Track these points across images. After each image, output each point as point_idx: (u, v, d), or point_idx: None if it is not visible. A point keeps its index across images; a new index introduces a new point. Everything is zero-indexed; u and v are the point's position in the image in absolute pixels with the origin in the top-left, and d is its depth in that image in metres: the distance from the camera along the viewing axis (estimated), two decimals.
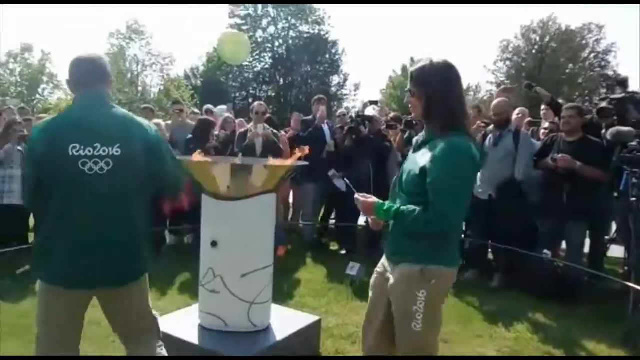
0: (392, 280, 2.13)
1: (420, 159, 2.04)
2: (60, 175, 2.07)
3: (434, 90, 2.05)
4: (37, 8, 47.91)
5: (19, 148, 5.31)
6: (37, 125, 2.26)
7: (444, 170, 1.95)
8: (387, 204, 2.12)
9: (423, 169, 2.00)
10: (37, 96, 29.53)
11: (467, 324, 4.00)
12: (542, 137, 5.20)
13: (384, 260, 2.30)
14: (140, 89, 28.88)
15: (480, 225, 5.11)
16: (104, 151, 2.08)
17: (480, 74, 46.20)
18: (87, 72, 2.21)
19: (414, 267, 2.04)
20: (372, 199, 2.17)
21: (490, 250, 5.34)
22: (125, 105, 22.50)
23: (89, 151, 2.07)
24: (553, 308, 4.28)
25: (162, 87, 28.97)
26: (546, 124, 5.25)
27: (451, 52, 57.29)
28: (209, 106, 7.77)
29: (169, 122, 7.06)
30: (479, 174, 4.97)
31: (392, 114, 6.63)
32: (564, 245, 4.92)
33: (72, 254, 2.10)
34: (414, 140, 2.24)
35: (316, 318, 3.38)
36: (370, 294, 2.33)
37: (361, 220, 6.62)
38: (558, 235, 4.74)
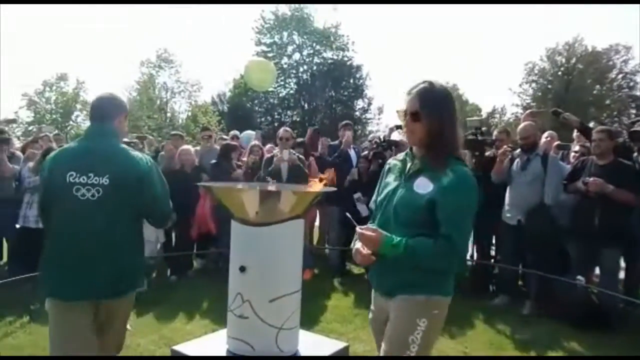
0: (393, 312, 2.05)
1: (421, 189, 1.95)
2: (58, 199, 2.38)
3: (445, 115, 1.96)
4: (73, 37, 49.81)
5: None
6: (51, 154, 2.63)
7: (459, 202, 1.90)
8: (396, 238, 1.96)
9: (431, 201, 1.91)
10: (71, 123, 30.56)
11: (498, 351, 3.91)
12: (572, 160, 5.12)
13: (375, 302, 2.23)
14: (169, 115, 29.58)
15: (509, 250, 5.03)
16: (96, 180, 2.35)
17: (506, 97, 45.97)
18: (97, 108, 2.55)
19: (418, 297, 1.98)
20: (378, 231, 2.00)
21: (520, 276, 5.24)
22: (154, 131, 23.07)
23: (83, 179, 2.35)
24: (587, 337, 4.14)
25: (189, 113, 29.61)
26: (576, 147, 5.18)
27: (475, 74, 57.26)
28: (235, 132, 7.92)
29: (198, 147, 7.22)
30: (506, 199, 4.94)
31: None
32: (597, 271, 4.79)
33: (65, 269, 2.37)
34: (390, 165, 2.18)
35: (344, 344, 3.35)
36: (374, 338, 2.27)
37: None
38: (591, 260, 4.62)
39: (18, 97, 30.75)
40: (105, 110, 2.55)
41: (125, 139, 3.73)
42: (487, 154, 5.35)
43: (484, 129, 5.53)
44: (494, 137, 5.49)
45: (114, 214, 2.39)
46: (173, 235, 6.19)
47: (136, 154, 2.51)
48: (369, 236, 1.99)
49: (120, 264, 2.43)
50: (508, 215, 4.93)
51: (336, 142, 6.99)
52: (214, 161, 5.99)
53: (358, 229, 2.05)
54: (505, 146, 4.94)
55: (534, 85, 32.08)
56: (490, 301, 5.04)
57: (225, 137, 8.36)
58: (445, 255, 1.91)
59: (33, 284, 4.63)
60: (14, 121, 6.61)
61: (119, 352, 2.65)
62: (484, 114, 33.00)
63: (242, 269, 2.92)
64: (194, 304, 4.80)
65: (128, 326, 2.73)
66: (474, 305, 4.91)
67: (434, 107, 1.95)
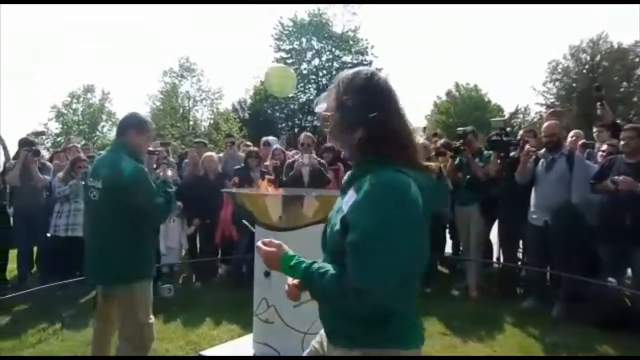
0: None
1: (345, 205, 1.48)
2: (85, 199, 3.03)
3: (372, 106, 1.48)
4: (99, 50, 50.89)
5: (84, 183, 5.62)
6: None
7: (365, 223, 1.36)
8: (296, 257, 1.56)
9: (344, 220, 1.44)
10: (97, 133, 31.28)
11: (527, 355, 3.84)
12: (599, 159, 5.00)
13: (321, 335, 1.73)
14: (191, 123, 30.00)
15: (536, 252, 4.94)
16: (96, 183, 2.85)
17: (529, 96, 45.19)
18: (117, 126, 3.08)
19: (354, 351, 1.49)
20: (280, 247, 1.61)
21: (548, 278, 5.15)
22: (178, 139, 23.39)
23: (91, 182, 2.90)
24: (620, 340, 4.03)
25: (211, 121, 29.99)
26: (604, 146, 5.06)
27: (497, 73, 56.51)
28: (267, 138, 7.86)
29: (221, 154, 7.31)
30: (532, 200, 4.86)
31: (441, 140, 6.55)
32: (629, 272, 4.67)
33: (85, 259, 2.95)
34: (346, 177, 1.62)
35: None
36: None
37: None
38: (622, 261, 4.50)
39: (47, 109, 31.61)
40: (119, 126, 3.05)
41: (150, 148, 3.82)
42: (512, 154, 5.27)
43: (508, 129, 5.45)
44: (519, 137, 5.40)
45: (105, 212, 2.83)
46: (197, 241, 6.26)
47: (125, 164, 2.82)
48: (267, 252, 1.61)
49: (107, 256, 2.81)
50: (534, 216, 4.85)
51: None
52: (237, 167, 6.06)
53: (259, 243, 1.66)
54: (527, 146, 4.86)
55: (557, 84, 31.49)
56: (518, 304, 4.95)
57: (248, 143, 8.43)
58: (343, 296, 1.40)
59: (64, 291, 4.77)
60: (42, 133, 6.82)
61: (134, 347, 2.80)
62: (506, 114, 32.49)
63: (267, 274, 2.94)
64: (220, 310, 4.83)
65: (151, 318, 2.91)
66: (502, 308, 4.85)
67: (360, 98, 1.51)
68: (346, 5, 31.45)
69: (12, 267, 6.21)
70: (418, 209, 1.40)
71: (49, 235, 5.66)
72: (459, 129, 5.84)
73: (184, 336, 4.17)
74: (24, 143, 5.73)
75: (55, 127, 29.80)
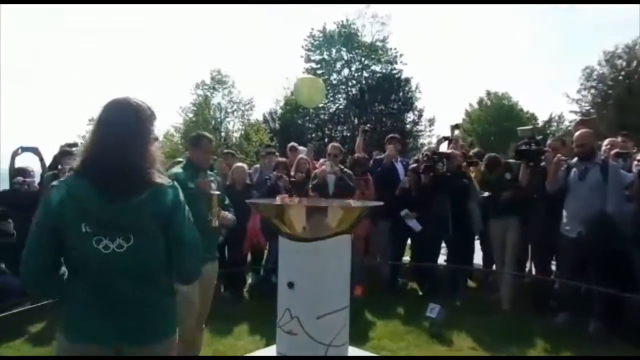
0: None
1: None
2: None
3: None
4: (130, 64, 52.42)
5: None
6: None
7: None
8: None
9: None
10: None
11: None
12: (634, 168, 4.82)
13: None
14: (223, 134, 30.44)
15: (570, 264, 4.78)
16: None
17: (562, 104, 43.97)
18: None
19: None
20: None
21: (583, 291, 4.96)
22: None
23: None
24: None
25: (242, 132, 30.37)
26: (639, 155, 4.87)
27: (529, 81, 55.39)
28: (293, 144, 7.88)
29: (257, 165, 7.34)
30: (564, 211, 4.71)
31: (474, 149, 6.44)
32: None
33: None
34: None
35: None
36: None
37: (441, 259, 6.44)
38: None
39: (85, 121, 32.66)
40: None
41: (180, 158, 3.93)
42: (543, 164, 5.15)
43: (539, 137, 5.31)
44: (547, 146, 5.27)
45: None
46: (225, 251, 6.32)
47: None
48: None
49: None
50: (567, 227, 4.70)
51: (382, 155, 6.91)
52: (266, 177, 6.11)
53: None
54: (558, 155, 4.72)
55: (593, 90, 30.57)
56: (551, 319, 4.79)
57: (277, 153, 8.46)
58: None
59: None
60: (75, 145, 7.02)
61: None
62: (540, 123, 31.72)
63: (290, 284, 2.93)
64: (247, 320, 4.86)
65: None
66: (534, 323, 4.71)
67: None
68: (375, 15, 31.52)
69: None
70: (46, 209, 1.78)
71: None
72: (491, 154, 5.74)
73: (211, 345, 4.20)
74: (62, 154, 5.92)
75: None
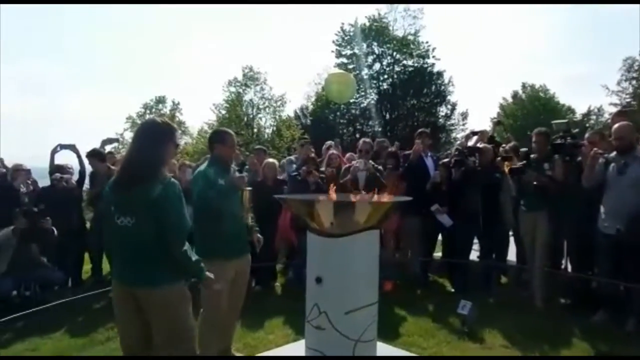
0: None
1: None
2: None
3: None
4: (168, 63, 53.40)
5: None
6: None
7: None
8: None
9: None
10: None
11: None
12: None
13: None
14: (255, 130, 30.68)
15: (608, 262, 4.62)
16: None
17: (601, 96, 42.33)
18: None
19: None
20: None
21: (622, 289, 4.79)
22: (242, 146, 24.03)
23: None
24: None
25: (274, 128, 30.54)
26: None
27: (566, 74, 53.60)
28: (331, 142, 7.90)
29: (292, 157, 7.43)
30: (602, 207, 4.55)
31: (510, 144, 6.27)
32: None
33: None
34: None
35: None
36: None
37: (473, 255, 6.34)
38: None
39: (122, 120, 33.52)
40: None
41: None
42: (579, 158, 4.99)
43: (575, 131, 5.15)
44: (585, 140, 5.09)
45: None
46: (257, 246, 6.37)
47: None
48: None
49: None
50: (605, 224, 4.54)
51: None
52: (294, 173, 6.14)
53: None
54: (595, 149, 4.56)
55: (634, 82, 29.33)
56: (588, 318, 4.65)
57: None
58: None
59: None
60: (116, 140, 7.16)
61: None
62: (578, 116, 30.69)
63: (318, 280, 2.95)
64: (277, 314, 4.90)
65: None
66: (569, 322, 4.58)
67: None
68: (407, 9, 31.11)
69: (87, 269, 6.63)
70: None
71: None
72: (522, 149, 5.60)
73: (242, 339, 4.26)
74: (92, 154, 6.13)
75: (129, 136, 31.54)
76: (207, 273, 2.73)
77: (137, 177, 2.54)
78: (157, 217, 2.50)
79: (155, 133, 2.65)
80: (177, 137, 2.80)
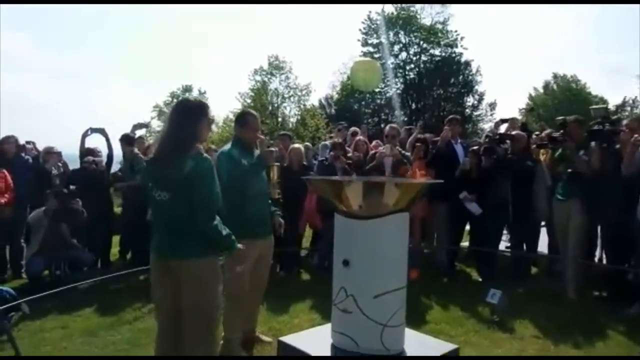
0: None
1: None
2: None
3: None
4: (192, 53, 53.83)
5: None
6: None
7: None
8: None
9: None
10: None
11: None
12: None
13: None
14: (280, 119, 30.74)
15: None
16: None
17: (636, 88, 40.81)
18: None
19: None
20: None
21: None
22: (267, 135, 24.09)
23: None
24: None
25: (299, 117, 30.52)
26: None
27: (597, 63, 51.94)
28: (354, 128, 7.87)
29: (327, 142, 7.39)
30: None
31: (546, 131, 6.07)
32: None
33: None
34: None
35: (454, 346, 3.18)
36: None
37: (502, 246, 6.20)
38: None
39: (150, 108, 34.01)
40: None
41: None
42: (618, 146, 4.79)
43: (614, 117, 4.94)
44: (624, 127, 4.87)
45: None
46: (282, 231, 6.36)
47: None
48: None
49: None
50: None
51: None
52: (320, 158, 6.10)
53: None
54: (635, 136, 4.37)
55: None
56: (624, 310, 4.48)
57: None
58: None
59: None
60: (145, 125, 7.21)
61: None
62: (612, 107, 29.81)
63: (346, 262, 2.89)
64: (302, 299, 4.88)
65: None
66: (605, 314, 4.43)
67: None
68: None
69: (115, 252, 6.73)
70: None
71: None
72: (558, 118, 5.38)
73: (267, 322, 4.25)
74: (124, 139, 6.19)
75: (157, 124, 31.97)
76: (239, 245, 2.73)
77: (171, 153, 2.58)
78: (189, 191, 2.54)
79: (187, 110, 2.68)
80: (210, 113, 2.76)
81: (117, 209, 7.24)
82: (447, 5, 30.72)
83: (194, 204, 2.55)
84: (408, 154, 5.70)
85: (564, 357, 3.50)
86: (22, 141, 6.60)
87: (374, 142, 6.99)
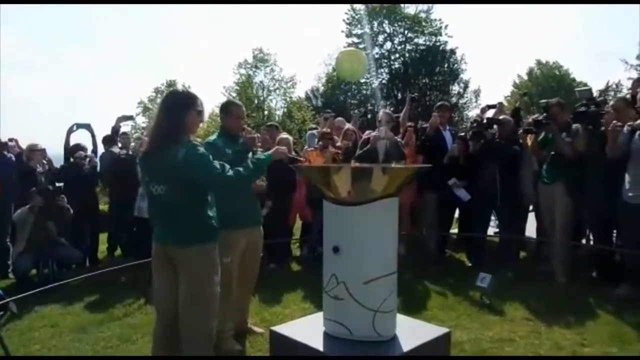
0: None
1: None
2: None
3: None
4: (175, 47, 53.33)
5: None
6: None
7: None
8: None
9: None
10: None
11: (624, 345, 3.50)
12: None
13: None
14: (266, 112, 30.57)
15: (633, 233, 4.49)
16: None
17: (620, 72, 41.38)
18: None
19: None
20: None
21: None
22: (254, 129, 23.94)
23: None
24: None
25: (285, 110, 30.40)
26: None
27: (583, 50, 52.40)
28: (340, 119, 7.81)
29: (314, 131, 7.29)
30: (627, 177, 4.41)
31: (534, 116, 6.09)
32: None
33: None
34: None
35: (445, 330, 3.19)
36: None
37: (490, 231, 6.24)
38: None
39: (134, 104, 33.59)
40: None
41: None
42: (603, 128, 4.83)
43: (600, 99, 4.97)
44: (610, 107, 4.91)
45: None
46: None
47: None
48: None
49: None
50: (630, 194, 4.41)
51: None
52: (310, 149, 6.06)
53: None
54: (614, 122, 4.40)
55: None
56: (611, 290, 4.54)
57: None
58: None
59: (148, 269, 5.02)
60: (131, 118, 7.12)
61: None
62: (595, 93, 30.07)
63: (336, 249, 2.88)
64: (293, 290, 4.88)
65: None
66: (593, 294, 4.49)
67: None
68: None
69: (102, 249, 6.66)
70: None
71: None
72: (542, 101, 5.41)
73: (258, 314, 4.24)
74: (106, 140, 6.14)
75: (142, 120, 31.61)
76: (268, 152, 3.00)
77: (161, 144, 2.60)
78: (187, 178, 2.58)
79: (175, 102, 2.72)
80: (198, 104, 2.75)
81: (103, 207, 7.18)
82: None
83: (201, 185, 2.65)
84: (400, 140, 5.69)
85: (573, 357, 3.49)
86: (4, 138, 6.46)
87: (367, 132, 6.96)
